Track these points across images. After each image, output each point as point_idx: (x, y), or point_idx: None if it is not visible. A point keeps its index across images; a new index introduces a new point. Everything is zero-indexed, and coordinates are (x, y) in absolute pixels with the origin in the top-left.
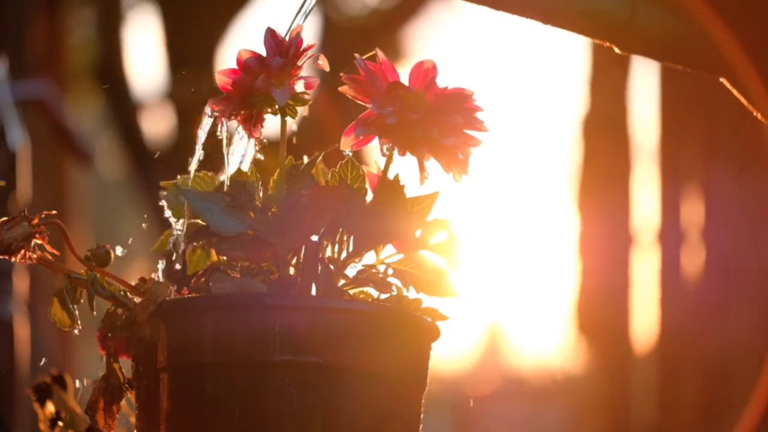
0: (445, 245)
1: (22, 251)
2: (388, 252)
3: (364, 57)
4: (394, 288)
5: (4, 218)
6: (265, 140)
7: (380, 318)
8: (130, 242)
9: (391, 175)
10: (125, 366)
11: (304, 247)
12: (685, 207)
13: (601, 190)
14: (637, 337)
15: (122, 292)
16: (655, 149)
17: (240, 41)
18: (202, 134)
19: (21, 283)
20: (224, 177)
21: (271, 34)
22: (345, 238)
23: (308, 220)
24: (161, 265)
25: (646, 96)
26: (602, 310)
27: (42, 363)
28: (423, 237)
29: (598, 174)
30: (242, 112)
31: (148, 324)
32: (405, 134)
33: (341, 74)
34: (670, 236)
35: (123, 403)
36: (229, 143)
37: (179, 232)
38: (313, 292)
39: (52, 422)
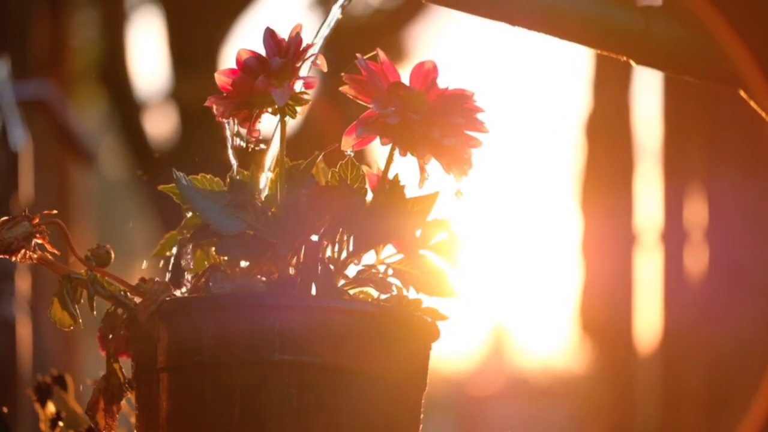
0: (445, 245)
1: (23, 251)
2: (388, 252)
3: (365, 57)
4: (394, 288)
5: (5, 218)
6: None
7: (380, 318)
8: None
9: (391, 176)
10: (125, 366)
11: (303, 246)
12: (688, 207)
13: (604, 190)
14: (641, 337)
15: (122, 292)
16: (658, 149)
17: (244, 41)
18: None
19: (23, 284)
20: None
21: (270, 35)
22: (345, 238)
23: (308, 220)
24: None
25: (649, 96)
26: (605, 311)
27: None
28: (423, 237)
29: (601, 174)
30: (242, 112)
31: (149, 324)
32: (406, 134)
33: (342, 74)
34: (674, 236)
35: (123, 403)
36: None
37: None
38: (313, 292)
39: (53, 422)
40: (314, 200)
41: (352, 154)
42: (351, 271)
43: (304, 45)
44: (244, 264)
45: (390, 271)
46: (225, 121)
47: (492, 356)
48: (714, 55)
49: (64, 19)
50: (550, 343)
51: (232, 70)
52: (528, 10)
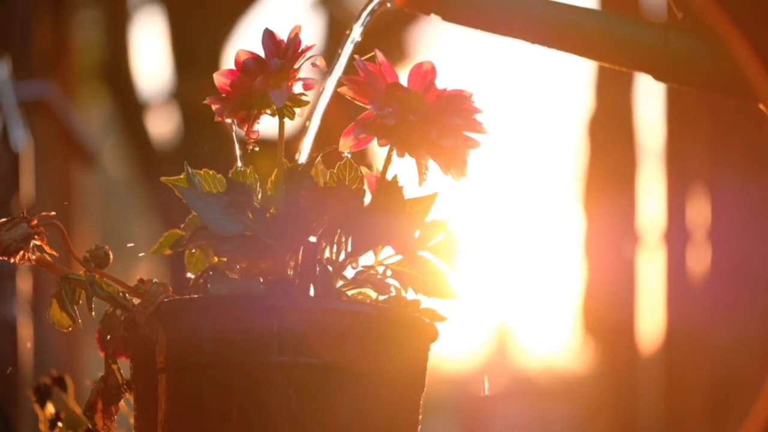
0: (443, 246)
1: (21, 252)
2: (387, 253)
3: (363, 58)
4: (392, 289)
5: (3, 219)
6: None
7: (378, 319)
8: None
9: (389, 177)
10: (124, 367)
11: (302, 248)
12: (691, 207)
13: (607, 190)
14: (644, 337)
15: (121, 294)
16: (661, 150)
17: (246, 41)
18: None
19: (24, 284)
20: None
21: (269, 36)
22: (343, 239)
23: (306, 221)
24: None
25: (652, 96)
26: (608, 311)
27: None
28: (421, 238)
29: (604, 174)
30: (240, 112)
31: (147, 325)
32: (403, 135)
33: (341, 75)
34: (676, 236)
35: (122, 403)
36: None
37: None
38: (312, 293)
39: (52, 423)
40: (313, 201)
41: (350, 155)
42: (349, 272)
43: (303, 46)
44: (242, 265)
45: (388, 272)
46: (226, 121)
47: (495, 356)
48: (734, 71)
49: (66, 20)
50: (554, 343)
51: (230, 71)
52: (548, 29)
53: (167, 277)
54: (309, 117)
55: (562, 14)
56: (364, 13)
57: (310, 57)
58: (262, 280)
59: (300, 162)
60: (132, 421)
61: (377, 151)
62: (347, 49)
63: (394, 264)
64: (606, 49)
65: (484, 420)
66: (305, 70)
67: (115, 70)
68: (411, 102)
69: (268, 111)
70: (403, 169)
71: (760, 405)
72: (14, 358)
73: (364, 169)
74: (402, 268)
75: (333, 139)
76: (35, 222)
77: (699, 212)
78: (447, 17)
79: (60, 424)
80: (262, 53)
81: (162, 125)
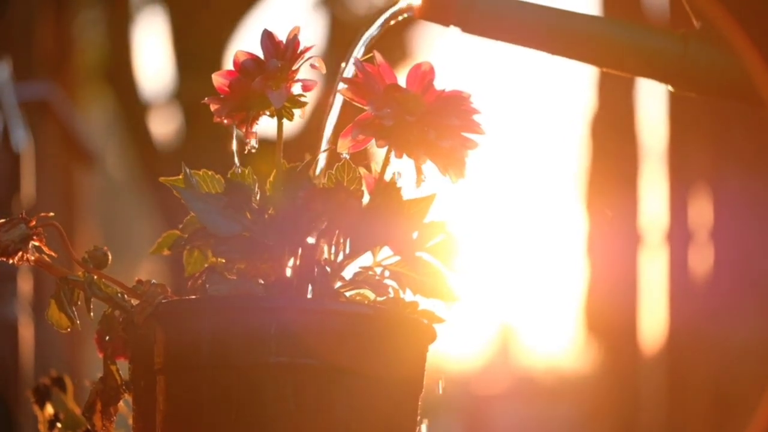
0: (442, 247)
1: (20, 253)
2: (385, 254)
3: (362, 59)
4: (390, 290)
5: (3, 220)
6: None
7: (376, 320)
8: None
9: (388, 178)
10: (123, 368)
11: (300, 249)
12: (693, 207)
13: (610, 190)
14: (646, 337)
15: (119, 294)
16: (663, 150)
17: (248, 41)
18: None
19: (25, 285)
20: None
21: (268, 37)
22: (341, 240)
23: (305, 222)
24: None
25: (654, 97)
26: (611, 311)
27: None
28: (420, 239)
29: (607, 174)
30: (239, 113)
31: (145, 326)
32: (402, 136)
33: (329, 82)
34: (679, 236)
35: (121, 404)
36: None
37: None
38: (310, 294)
39: (51, 424)
40: (311, 202)
41: (348, 157)
42: (348, 273)
43: (301, 47)
44: (240, 266)
45: (387, 273)
46: (224, 122)
47: (498, 356)
48: (753, 79)
49: (67, 20)
50: (556, 343)
51: (229, 72)
52: (568, 40)
53: (169, 277)
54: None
55: (582, 25)
56: (378, 23)
57: (309, 58)
58: (260, 281)
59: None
60: (131, 421)
61: (376, 152)
62: (358, 54)
63: (392, 265)
64: (626, 59)
65: (487, 419)
66: (304, 71)
67: (117, 71)
68: (409, 103)
69: (267, 112)
70: (401, 170)
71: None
72: (15, 359)
73: (362, 170)
74: (400, 269)
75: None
76: (34, 223)
77: (701, 212)
78: (467, 29)
79: (59, 424)
80: (261, 54)
81: (164, 125)
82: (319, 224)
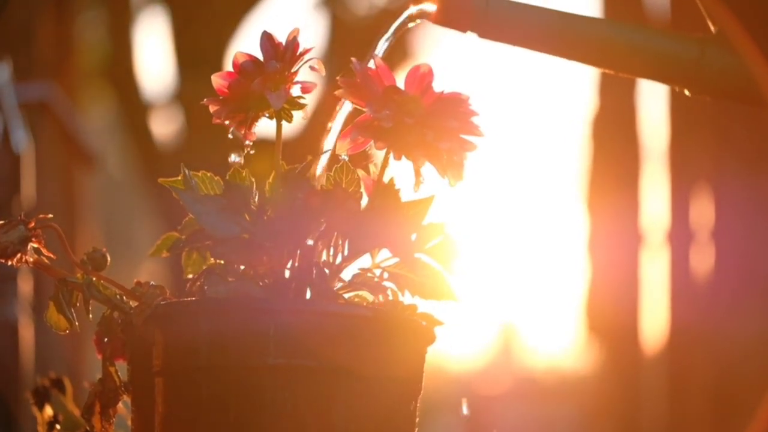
0: (441, 249)
1: (19, 255)
2: (384, 256)
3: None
4: (389, 292)
5: (1, 222)
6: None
7: (375, 322)
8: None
9: (386, 179)
10: (122, 369)
11: (299, 250)
12: (694, 207)
13: (611, 190)
14: (647, 336)
15: (118, 296)
16: (665, 150)
17: (250, 41)
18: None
19: (25, 285)
20: None
21: (267, 38)
22: (340, 242)
23: (303, 224)
24: None
25: (655, 97)
26: (612, 311)
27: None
28: (419, 241)
29: (608, 174)
30: (238, 115)
31: (144, 328)
32: (400, 138)
33: (338, 78)
34: (680, 236)
35: (120, 405)
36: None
37: None
38: (308, 295)
39: (50, 425)
40: (309, 204)
41: (347, 158)
42: (346, 274)
43: (301, 49)
44: (239, 268)
45: (385, 275)
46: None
47: (500, 356)
48: (763, 84)
49: (68, 21)
50: (557, 343)
51: (228, 73)
52: (585, 45)
53: (169, 278)
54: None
55: (599, 30)
56: (393, 27)
57: (308, 60)
58: (259, 282)
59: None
60: (130, 423)
61: (376, 154)
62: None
63: (391, 267)
64: (643, 64)
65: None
66: (304, 72)
67: (118, 72)
68: (408, 105)
69: (266, 113)
70: (400, 172)
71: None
72: (15, 359)
73: (360, 172)
74: (399, 270)
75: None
76: (33, 225)
77: (702, 212)
78: (484, 35)
79: (58, 426)
80: (260, 56)
81: (164, 126)
82: (318, 226)
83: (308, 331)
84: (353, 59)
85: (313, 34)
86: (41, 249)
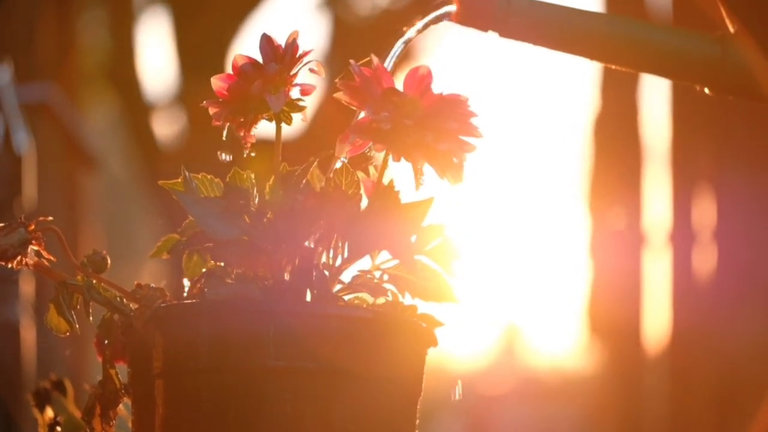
0: (440, 251)
1: (19, 257)
2: (384, 257)
3: (359, 63)
4: (389, 293)
5: (1, 224)
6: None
7: (375, 323)
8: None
9: (386, 181)
10: (122, 372)
11: (298, 252)
12: (696, 208)
13: (613, 191)
14: (650, 337)
15: (118, 299)
16: (667, 150)
17: (252, 42)
18: None
19: (27, 287)
20: None
21: (267, 41)
22: (340, 243)
23: (303, 226)
24: None
25: (658, 97)
26: (615, 311)
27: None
28: (418, 242)
29: (610, 175)
30: (238, 117)
31: (144, 330)
32: (399, 140)
33: (337, 80)
34: (682, 237)
35: (121, 407)
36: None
37: None
38: (308, 297)
39: (51, 427)
40: (309, 206)
41: (346, 160)
42: (346, 276)
43: (300, 51)
44: (239, 270)
45: (385, 277)
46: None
47: (502, 356)
48: None
49: (69, 22)
50: (560, 343)
51: (228, 75)
52: (605, 44)
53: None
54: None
55: (621, 29)
56: (416, 27)
57: (308, 62)
58: (258, 284)
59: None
60: (130, 425)
61: (375, 155)
62: (391, 62)
63: (390, 268)
64: (664, 63)
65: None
66: (303, 75)
67: (119, 73)
68: (407, 106)
69: (266, 116)
70: (400, 173)
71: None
72: (17, 361)
73: (360, 174)
74: (399, 272)
75: (329, 144)
76: (33, 227)
77: (705, 213)
78: (504, 34)
79: (59, 428)
80: (260, 58)
81: (167, 127)
82: (318, 228)
83: (308, 333)
84: (351, 61)
85: (315, 35)
86: (41, 251)
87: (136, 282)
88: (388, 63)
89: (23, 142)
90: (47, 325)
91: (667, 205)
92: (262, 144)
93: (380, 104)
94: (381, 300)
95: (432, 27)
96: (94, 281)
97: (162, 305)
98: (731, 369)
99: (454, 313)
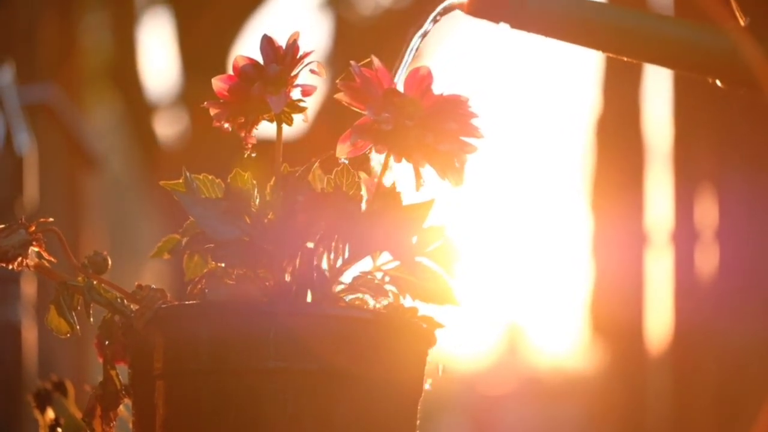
0: (441, 252)
1: (19, 258)
2: (385, 259)
3: (360, 63)
4: (390, 295)
5: (2, 226)
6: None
7: (376, 325)
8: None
9: (387, 182)
10: (123, 373)
11: (299, 253)
12: (698, 207)
13: (615, 191)
14: (652, 336)
15: (119, 299)
16: (669, 150)
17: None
18: None
19: (28, 287)
20: None
21: (267, 42)
22: (341, 245)
23: (304, 227)
24: None
25: (660, 97)
26: (617, 311)
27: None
28: (419, 244)
29: (612, 175)
30: (238, 118)
31: (145, 331)
32: (400, 141)
33: (337, 81)
34: (684, 236)
35: (122, 408)
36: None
37: None
38: (309, 298)
39: (51, 428)
40: (310, 207)
41: (347, 161)
42: (347, 277)
43: (301, 52)
44: (240, 271)
45: (386, 278)
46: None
47: (504, 356)
48: None
49: (71, 22)
50: (562, 343)
51: (229, 77)
52: (618, 36)
53: (174, 280)
54: None
55: (634, 21)
56: (429, 19)
57: (309, 63)
58: (259, 285)
59: None
60: (131, 426)
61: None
62: (408, 56)
63: (391, 270)
64: (677, 55)
65: (494, 419)
66: (304, 76)
67: (121, 73)
68: (408, 107)
69: (267, 117)
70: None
71: None
72: (18, 362)
73: (362, 175)
74: (400, 273)
75: (331, 145)
76: (33, 228)
77: (707, 212)
78: (516, 25)
79: (59, 429)
80: (261, 59)
81: (169, 127)
82: (318, 229)
83: (309, 335)
84: (352, 62)
85: (317, 35)
86: (42, 252)
87: (136, 283)
88: (407, 58)
89: (24, 142)
90: (48, 326)
91: (669, 205)
92: (263, 145)
93: (381, 105)
94: (382, 301)
95: (436, 25)
96: (95, 282)
97: (162, 306)
98: (734, 368)
99: (456, 314)
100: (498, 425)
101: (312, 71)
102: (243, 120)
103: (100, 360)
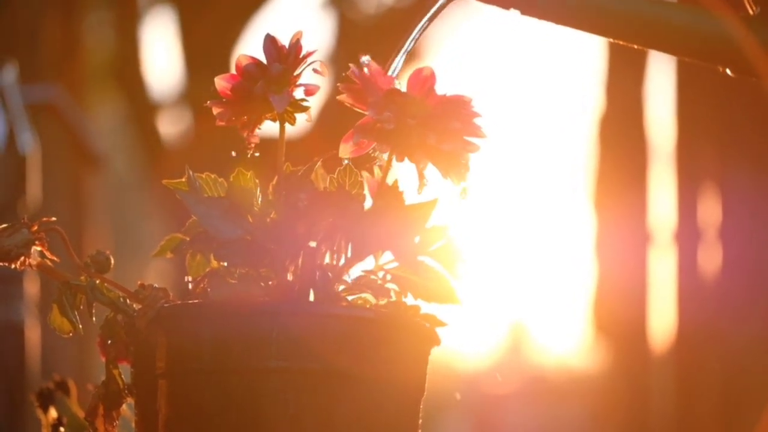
0: (444, 252)
1: (22, 258)
2: (387, 258)
3: (352, 62)
4: (392, 294)
5: (4, 225)
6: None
7: (378, 324)
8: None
9: (390, 182)
10: (125, 372)
11: (302, 252)
12: (701, 206)
13: (618, 190)
14: (655, 336)
15: (121, 299)
16: (672, 149)
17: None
18: None
19: (31, 287)
20: None
21: (270, 41)
22: (343, 244)
23: (306, 226)
24: None
25: (663, 96)
26: (620, 310)
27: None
28: (422, 243)
29: (615, 174)
30: (241, 117)
31: (147, 330)
32: (402, 140)
33: (338, 83)
34: (687, 236)
35: (124, 407)
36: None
37: None
38: (311, 298)
39: (54, 428)
40: (312, 206)
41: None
42: (349, 277)
43: (304, 51)
44: (242, 270)
45: (389, 277)
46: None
47: (508, 355)
48: None
49: (74, 22)
50: (566, 342)
51: (231, 76)
52: (629, 24)
53: (177, 279)
54: None
55: (644, 8)
56: (436, 6)
57: (312, 62)
58: (261, 284)
59: None
60: (133, 425)
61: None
62: (407, 45)
63: (394, 269)
64: (687, 43)
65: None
66: (307, 75)
67: (125, 72)
68: (410, 107)
69: (269, 116)
70: (405, 174)
71: None
72: (22, 361)
73: (365, 174)
74: (402, 273)
75: (333, 144)
76: (36, 228)
77: (710, 211)
78: (527, 12)
79: (62, 428)
80: (263, 58)
81: (172, 126)
82: (321, 228)
83: (311, 334)
84: (352, 65)
85: (320, 33)
86: (45, 252)
87: (139, 282)
88: (412, 39)
89: (28, 142)
90: (50, 325)
91: (673, 204)
92: (266, 144)
93: (383, 104)
94: (384, 300)
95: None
96: (98, 281)
97: (165, 305)
98: (737, 367)
99: (458, 313)
100: (501, 424)
101: (315, 70)
102: (246, 119)
103: (103, 359)
